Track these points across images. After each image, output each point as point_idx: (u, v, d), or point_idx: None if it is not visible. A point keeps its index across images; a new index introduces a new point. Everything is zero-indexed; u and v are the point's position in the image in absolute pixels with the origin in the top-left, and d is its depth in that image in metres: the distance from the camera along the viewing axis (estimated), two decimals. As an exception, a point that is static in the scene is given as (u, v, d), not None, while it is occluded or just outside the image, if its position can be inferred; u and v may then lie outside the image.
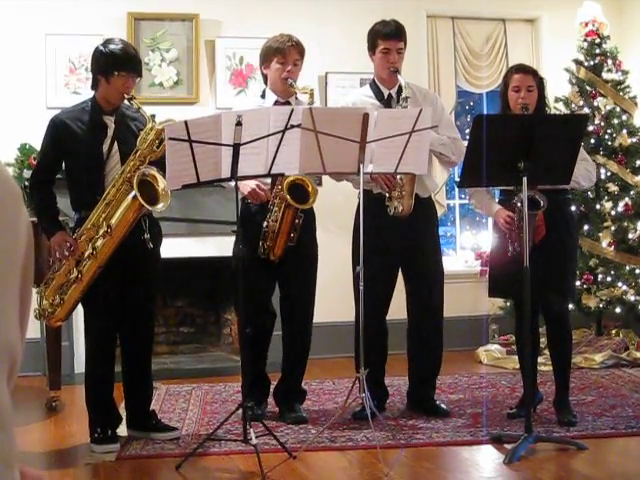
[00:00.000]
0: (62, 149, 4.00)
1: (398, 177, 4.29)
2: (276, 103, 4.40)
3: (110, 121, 4.01)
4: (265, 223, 4.27)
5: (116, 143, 3.97)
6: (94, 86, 4.02)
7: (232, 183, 3.89)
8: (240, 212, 4.03)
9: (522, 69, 4.39)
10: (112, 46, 3.96)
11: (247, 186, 4.25)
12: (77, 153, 3.97)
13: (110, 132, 3.99)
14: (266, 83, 4.53)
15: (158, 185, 3.89)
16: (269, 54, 4.41)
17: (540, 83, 4.38)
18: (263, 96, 4.53)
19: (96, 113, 3.99)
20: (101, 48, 3.98)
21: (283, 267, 4.40)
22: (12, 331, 0.85)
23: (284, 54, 4.37)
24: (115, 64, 3.90)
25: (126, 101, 3.97)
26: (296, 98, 4.47)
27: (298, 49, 4.42)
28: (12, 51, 5.87)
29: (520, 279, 3.86)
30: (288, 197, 4.20)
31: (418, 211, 4.40)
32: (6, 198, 0.86)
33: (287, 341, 4.58)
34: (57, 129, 3.98)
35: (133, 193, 3.83)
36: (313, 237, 4.52)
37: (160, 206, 3.90)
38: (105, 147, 3.96)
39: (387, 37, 4.45)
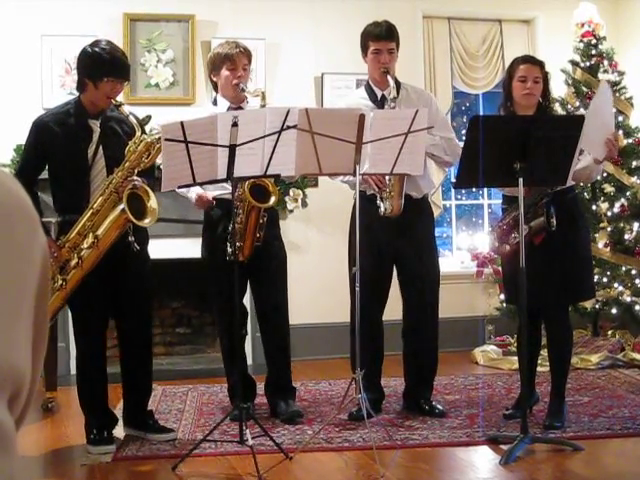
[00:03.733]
0: (44, 152, 3.94)
1: (387, 177, 4.29)
2: (229, 109, 4.39)
3: (95, 125, 3.95)
4: (231, 226, 4.27)
5: (101, 148, 3.92)
6: (80, 88, 3.95)
7: (184, 190, 4.00)
8: (205, 218, 4.08)
9: (529, 60, 4.33)
10: (100, 50, 3.86)
11: (193, 193, 4.31)
12: (61, 157, 3.92)
13: (95, 137, 3.93)
14: (216, 90, 4.55)
15: (148, 200, 3.85)
16: (218, 61, 4.43)
17: (546, 76, 4.32)
18: (215, 103, 4.55)
19: (81, 117, 3.93)
20: (89, 50, 3.89)
21: (252, 267, 4.39)
22: (20, 360, 0.83)
23: (233, 60, 4.39)
24: (104, 69, 3.83)
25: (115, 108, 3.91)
26: (247, 102, 4.51)
27: (246, 54, 4.46)
28: (8, 52, 5.87)
29: (530, 284, 3.82)
30: (250, 198, 4.20)
31: (412, 211, 4.40)
32: (20, 224, 0.84)
33: (266, 340, 4.60)
34: (40, 132, 3.92)
35: (122, 206, 3.77)
36: (278, 234, 4.57)
37: (147, 221, 3.85)
38: (90, 152, 3.91)
39: (377, 38, 4.45)
